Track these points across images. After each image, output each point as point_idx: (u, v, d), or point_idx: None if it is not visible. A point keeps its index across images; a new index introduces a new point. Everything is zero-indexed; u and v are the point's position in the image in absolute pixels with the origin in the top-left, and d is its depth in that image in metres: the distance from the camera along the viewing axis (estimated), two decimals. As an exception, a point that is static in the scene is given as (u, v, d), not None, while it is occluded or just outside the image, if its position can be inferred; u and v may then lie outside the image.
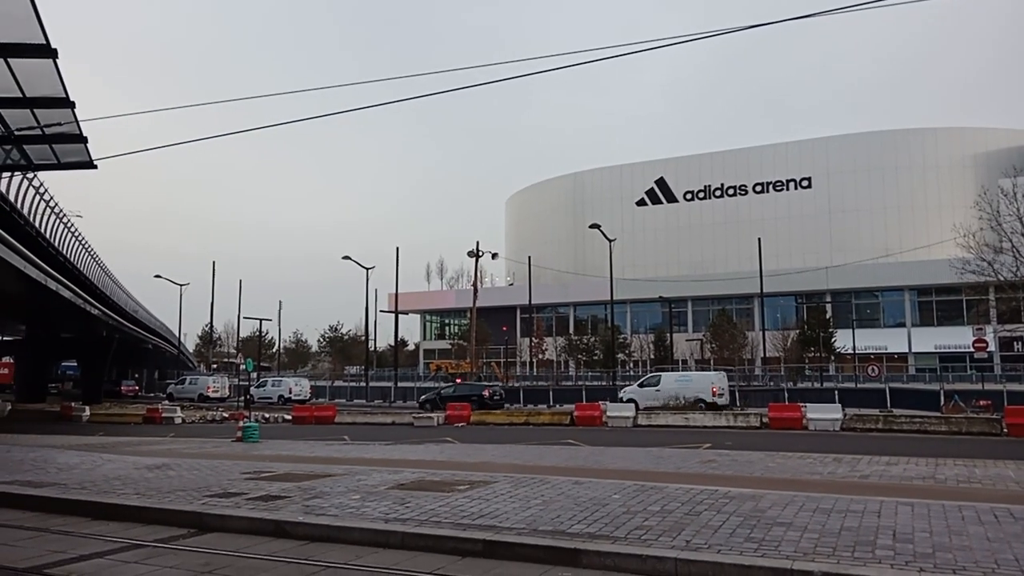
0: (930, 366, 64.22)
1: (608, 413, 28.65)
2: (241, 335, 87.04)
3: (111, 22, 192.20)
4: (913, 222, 74.50)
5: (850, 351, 58.47)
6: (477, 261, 61.11)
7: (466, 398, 36.74)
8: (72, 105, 15.26)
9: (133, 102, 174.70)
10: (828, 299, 71.02)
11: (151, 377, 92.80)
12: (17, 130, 16.65)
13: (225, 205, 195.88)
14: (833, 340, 60.20)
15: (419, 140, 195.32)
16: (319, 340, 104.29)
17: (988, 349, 37.46)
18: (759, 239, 54.53)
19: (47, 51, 13.03)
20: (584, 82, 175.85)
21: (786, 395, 37.44)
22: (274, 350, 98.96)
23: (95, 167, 18.79)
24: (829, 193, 79.10)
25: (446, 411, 31.78)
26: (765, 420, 26.35)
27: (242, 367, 48.01)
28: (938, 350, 67.96)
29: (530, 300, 62.06)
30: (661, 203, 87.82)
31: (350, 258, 55.53)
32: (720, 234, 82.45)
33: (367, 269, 56.86)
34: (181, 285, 70.08)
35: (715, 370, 45.28)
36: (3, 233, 24.89)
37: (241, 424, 23.33)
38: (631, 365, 69.91)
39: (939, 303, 70.69)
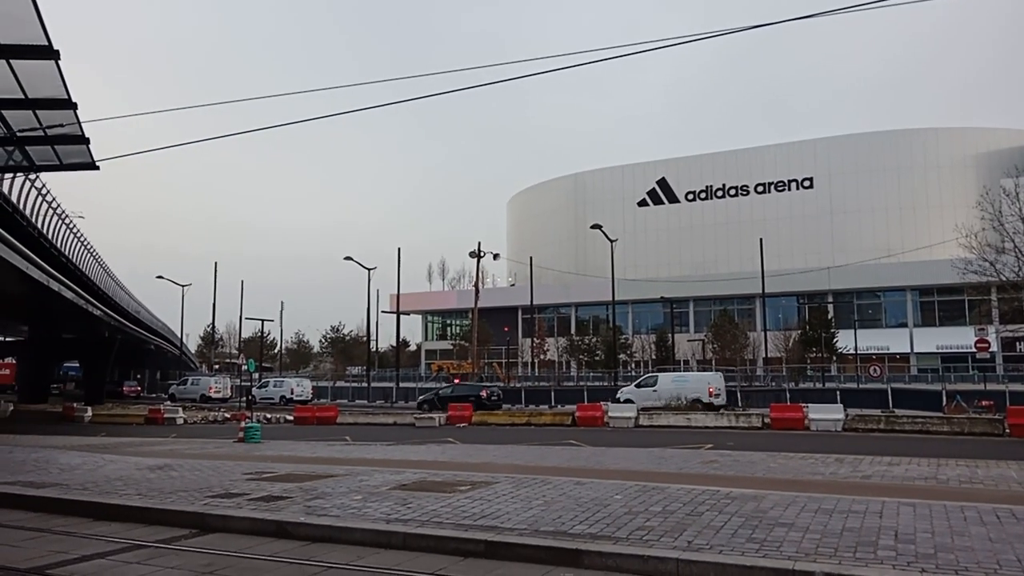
0: (932, 366, 64.23)
1: (610, 414, 28.66)
2: (243, 336, 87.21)
3: (113, 23, 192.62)
4: (915, 222, 74.45)
5: (852, 351, 58.43)
6: (479, 261, 61.12)
7: (464, 398, 36.76)
8: (74, 106, 15.27)
9: (135, 103, 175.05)
10: (830, 299, 70.94)
11: (153, 378, 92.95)
12: (19, 131, 16.66)
13: (227, 206, 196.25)
14: (835, 340, 60.14)
15: (420, 141, 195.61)
16: (321, 341, 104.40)
17: (990, 349, 37.47)
18: (761, 239, 54.51)
19: (49, 52, 13.04)
20: (585, 82, 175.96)
21: (788, 395, 37.42)
22: (276, 351, 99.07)
23: (97, 168, 18.80)
24: (831, 193, 79.05)
25: (448, 412, 31.80)
26: (767, 420, 26.35)
27: (244, 368, 47.95)
28: (940, 350, 67.90)
29: (532, 300, 62.06)
30: (663, 203, 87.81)
31: (352, 259, 55.63)
32: (722, 234, 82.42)
33: (369, 270, 56.96)
34: (183, 286, 70.28)
35: (714, 370, 45.35)
36: (5, 234, 24.93)
37: (243, 425, 23.37)
38: (633, 366, 69.86)
39: (941, 303, 70.61)
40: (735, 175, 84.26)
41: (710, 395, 33.77)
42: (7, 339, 62.01)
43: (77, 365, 70.36)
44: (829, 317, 64.05)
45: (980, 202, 34.30)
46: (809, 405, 27.40)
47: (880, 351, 68.05)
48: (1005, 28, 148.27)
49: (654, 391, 34.74)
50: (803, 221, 79.40)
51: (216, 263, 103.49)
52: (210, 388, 54.03)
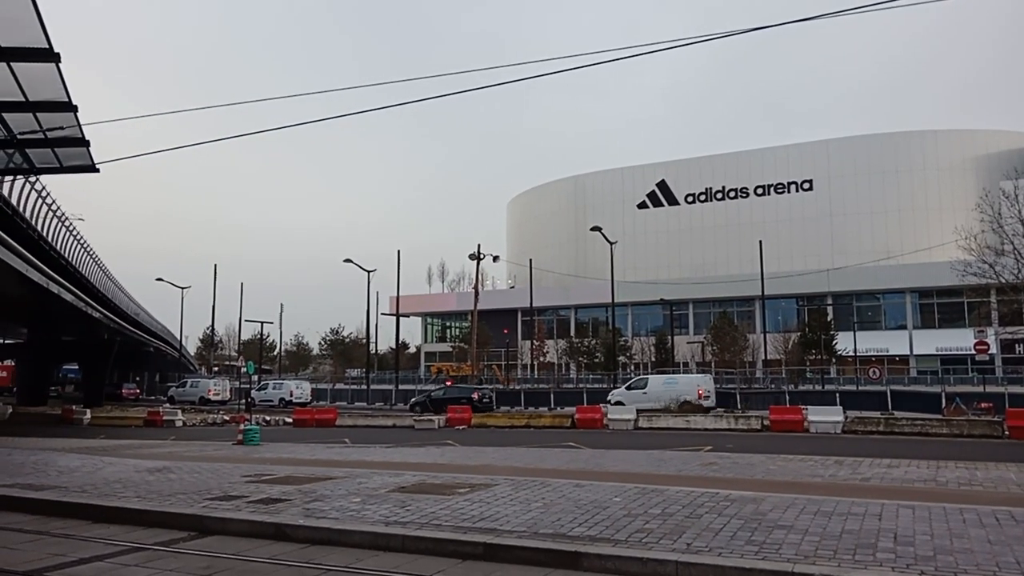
0: (931, 368, 64.24)
1: (609, 416, 28.69)
2: (242, 338, 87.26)
3: (113, 26, 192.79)
4: (914, 224, 74.51)
5: (851, 353, 58.44)
6: (478, 264, 61.22)
7: (455, 400, 36.95)
8: (74, 109, 15.27)
9: (135, 104, 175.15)
10: (829, 301, 70.99)
11: (152, 380, 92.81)
12: (19, 134, 16.66)
13: (227, 208, 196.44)
14: (834, 342, 60.16)
15: (421, 143, 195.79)
16: (320, 343, 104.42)
17: (989, 351, 37.46)
18: (760, 241, 54.56)
19: (49, 55, 13.04)
20: (585, 85, 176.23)
21: (787, 397, 37.38)
22: (275, 353, 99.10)
23: (97, 171, 18.79)
24: (830, 195, 79.12)
25: (447, 414, 31.80)
26: (766, 422, 26.33)
27: (243, 370, 48.02)
28: (939, 352, 67.95)
29: (531, 302, 62.06)
30: (662, 205, 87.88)
31: (351, 261, 55.60)
32: (721, 236, 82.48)
33: (368, 272, 56.92)
34: (182, 288, 70.26)
35: (713, 372, 45.48)
36: (5, 236, 24.93)
37: (242, 427, 23.31)
38: (632, 368, 69.91)
39: (940, 305, 70.67)
40: (735, 177, 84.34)
41: (699, 396, 34.24)
42: (6, 341, 61.87)
43: (76, 367, 70.34)
44: (828, 319, 64.12)
45: (979, 204, 34.31)
46: (808, 407, 27.41)
47: (879, 353, 68.10)
48: (1005, 29, 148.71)
49: (644, 393, 35.31)
50: (802, 223, 79.46)
51: (216, 265, 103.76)
52: (209, 390, 54.06)
